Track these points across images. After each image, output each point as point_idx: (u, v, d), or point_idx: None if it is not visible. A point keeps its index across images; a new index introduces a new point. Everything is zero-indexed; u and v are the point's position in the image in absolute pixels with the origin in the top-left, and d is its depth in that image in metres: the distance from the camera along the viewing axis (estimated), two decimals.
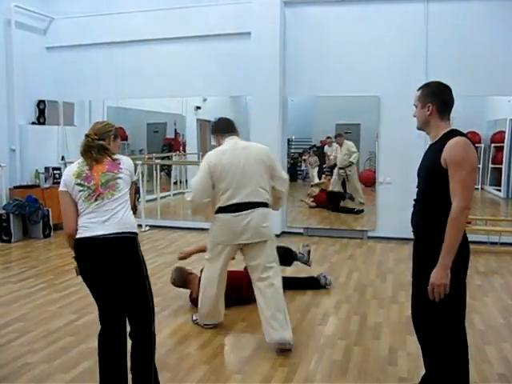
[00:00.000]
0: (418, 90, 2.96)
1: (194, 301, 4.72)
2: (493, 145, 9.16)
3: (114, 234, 2.86)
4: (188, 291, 4.93)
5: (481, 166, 9.26)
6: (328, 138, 9.67)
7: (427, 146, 2.94)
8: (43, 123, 9.11)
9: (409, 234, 8.35)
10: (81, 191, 2.91)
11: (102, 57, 9.18)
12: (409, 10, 7.64)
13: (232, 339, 4.19)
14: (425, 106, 2.88)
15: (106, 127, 3.14)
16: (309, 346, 3.65)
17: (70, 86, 9.31)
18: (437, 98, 2.87)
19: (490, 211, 9.16)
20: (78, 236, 2.91)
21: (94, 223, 2.87)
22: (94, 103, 9.80)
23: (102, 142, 3.02)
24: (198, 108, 10.94)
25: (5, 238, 7.74)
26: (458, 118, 9.36)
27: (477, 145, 9.08)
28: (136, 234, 2.98)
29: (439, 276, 2.65)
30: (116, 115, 10.41)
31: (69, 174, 2.98)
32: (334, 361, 3.66)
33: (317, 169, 9.99)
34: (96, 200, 2.90)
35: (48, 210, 8.16)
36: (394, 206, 7.80)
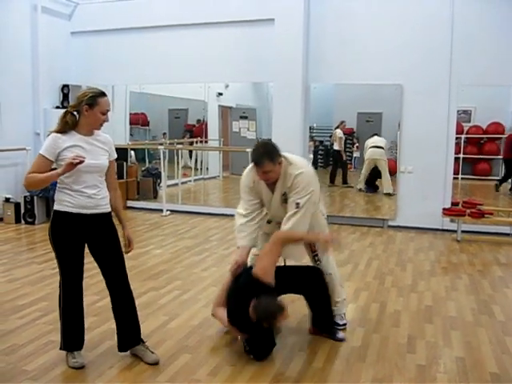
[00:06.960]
0: None
1: None
2: None
3: None
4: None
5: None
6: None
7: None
8: (67, 107, 9.16)
9: (429, 223, 8.31)
10: None
11: (125, 42, 9.21)
12: None
13: None
14: None
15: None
16: None
17: (94, 71, 9.36)
18: None
19: None
20: None
21: None
22: (117, 88, 9.86)
23: None
24: (220, 94, 10.95)
25: (29, 220, 7.89)
26: (482, 108, 9.33)
27: (500, 136, 8.98)
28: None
29: None
30: (138, 100, 10.50)
31: None
32: (353, 347, 3.68)
33: None
34: None
35: None
36: (414, 196, 7.79)
